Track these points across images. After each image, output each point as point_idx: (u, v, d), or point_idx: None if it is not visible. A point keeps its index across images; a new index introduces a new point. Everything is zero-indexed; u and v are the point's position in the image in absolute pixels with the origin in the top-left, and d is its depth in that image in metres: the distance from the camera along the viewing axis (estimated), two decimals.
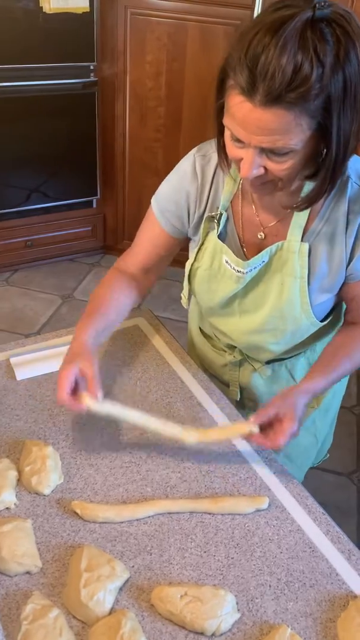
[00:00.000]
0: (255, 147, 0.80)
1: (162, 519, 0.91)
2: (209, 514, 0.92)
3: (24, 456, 0.97)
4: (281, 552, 0.87)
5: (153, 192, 1.12)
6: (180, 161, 1.05)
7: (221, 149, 0.91)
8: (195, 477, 0.98)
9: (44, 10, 2.42)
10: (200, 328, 1.29)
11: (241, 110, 0.77)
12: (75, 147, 2.83)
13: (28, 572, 0.82)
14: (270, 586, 0.83)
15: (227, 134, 0.85)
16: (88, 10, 2.50)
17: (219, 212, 1.01)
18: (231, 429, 1.01)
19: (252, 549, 0.88)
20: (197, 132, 2.77)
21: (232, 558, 0.86)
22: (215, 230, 1.02)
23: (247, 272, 1.00)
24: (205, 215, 1.03)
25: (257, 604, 0.81)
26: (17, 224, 2.90)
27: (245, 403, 1.27)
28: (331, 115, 0.76)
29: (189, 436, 0.95)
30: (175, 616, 0.77)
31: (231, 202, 1.01)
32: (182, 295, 1.18)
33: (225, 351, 1.22)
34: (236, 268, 1.01)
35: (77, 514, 0.90)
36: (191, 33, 2.53)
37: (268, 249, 0.98)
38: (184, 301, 1.18)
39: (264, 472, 0.99)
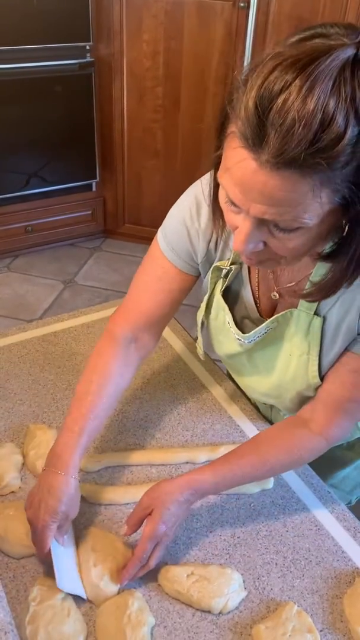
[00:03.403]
0: (254, 217, 0.62)
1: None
2: (214, 494, 0.92)
3: (28, 440, 0.97)
4: (287, 531, 0.88)
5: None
6: (192, 187, 0.86)
7: (216, 206, 0.73)
8: None
9: None
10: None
11: (241, 169, 0.58)
12: (72, 130, 2.80)
13: (34, 555, 0.82)
14: (276, 564, 0.83)
15: (221, 192, 0.67)
16: None
17: (227, 267, 0.85)
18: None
19: (257, 527, 0.88)
20: (195, 112, 2.73)
21: (238, 537, 0.86)
22: (220, 286, 0.87)
23: (247, 342, 0.88)
24: (215, 263, 0.86)
25: (263, 582, 0.81)
26: (16, 209, 2.88)
27: None
28: None
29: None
30: (182, 595, 0.78)
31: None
32: (197, 345, 1.01)
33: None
34: (236, 335, 0.88)
35: (82, 496, 0.90)
36: (188, 10, 2.49)
37: (274, 317, 0.83)
38: (200, 352, 1.01)
39: None
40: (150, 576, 0.81)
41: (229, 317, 0.88)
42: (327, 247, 0.69)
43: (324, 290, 0.70)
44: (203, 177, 0.85)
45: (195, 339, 1.03)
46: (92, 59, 2.66)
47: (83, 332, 1.23)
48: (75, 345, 1.20)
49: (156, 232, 0.91)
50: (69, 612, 0.74)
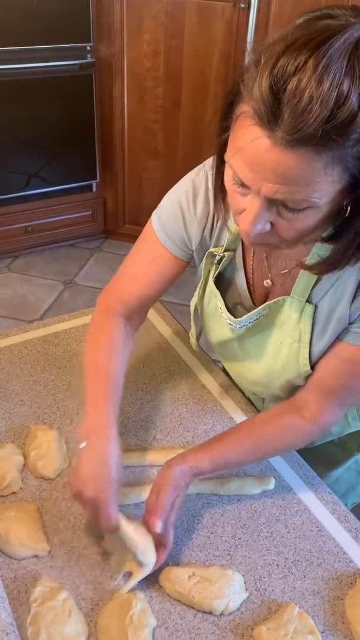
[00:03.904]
0: (264, 196, 0.61)
1: None
2: (216, 495, 0.92)
3: (29, 441, 0.97)
4: (288, 532, 0.88)
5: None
6: (189, 174, 0.87)
7: (219, 189, 0.74)
8: None
9: None
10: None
11: (254, 147, 0.58)
12: (73, 130, 2.80)
13: (36, 556, 0.82)
14: (277, 565, 0.83)
15: (228, 175, 0.66)
16: None
17: (221, 254, 0.85)
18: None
19: (259, 529, 0.88)
20: (196, 112, 2.73)
21: (239, 538, 0.86)
22: (213, 272, 0.88)
23: (240, 327, 0.88)
24: (210, 248, 0.87)
25: (264, 583, 0.81)
26: (16, 209, 2.88)
27: None
28: None
29: None
30: (183, 596, 0.78)
31: (242, 239, 0.85)
32: (190, 335, 1.02)
33: None
34: (228, 320, 0.89)
35: None
36: (189, 10, 2.49)
37: (266, 304, 0.84)
38: (192, 342, 1.02)
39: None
40: (152, 577, 0.80)
41: (220, 303, 0.89)
42: (326, 231, 0.69)
43: (326, 265, 0.70)
44: (201, 165, 0.86)
45: (197, 339, 1.04)
46: (92, 60, 2.66)
47: (84, 332, 1.23)
48: (76, 346, 1.19)
49: None
50: (71, 613, 0.74)
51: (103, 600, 0.78)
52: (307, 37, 0.54)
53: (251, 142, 0.58)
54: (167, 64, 2.64)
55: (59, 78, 2.63)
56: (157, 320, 1.27)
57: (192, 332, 1.00)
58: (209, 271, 0.89)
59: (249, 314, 0.86)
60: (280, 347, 0.87)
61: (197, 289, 0.92)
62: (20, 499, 0.90)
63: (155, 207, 0.94)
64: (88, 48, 2.63)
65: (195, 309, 0.95)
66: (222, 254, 0.85)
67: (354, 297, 0.77)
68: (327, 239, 0.70)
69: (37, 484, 0.92)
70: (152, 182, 2.96)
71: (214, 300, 0.90)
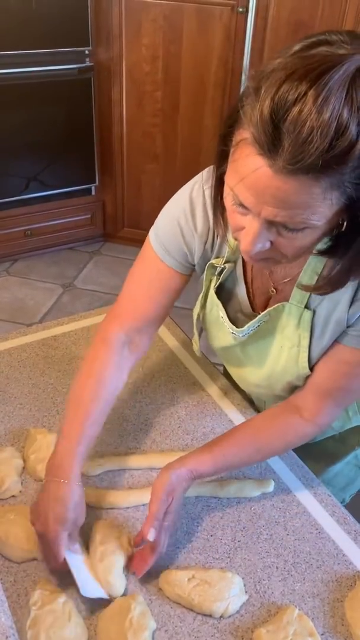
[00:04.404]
0: (264, 218, 0.63)
1: None
2: (215, 498, 0.92)
3: (28, 444, 0.97)
4: (287, 534, 0.88)
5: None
6: (184, 188, 0.87)
7: (217, 204, 0.75)
8: None
9: None
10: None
11: (255, 175, 0.60)
12: (72, 134, 2.80)
13: (35, 559, 0.82)
14: (277, 568, 0.83)
15: (227, 195, 0.67)
16: None
17: (221, 266, 0.86)
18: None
19: (258, 531, 0.88)
20: (195, 115, 2.74)
21: (239, 541, 0.86)
22: (214, 283, 0.88)
23: (242, 335, 0.89)
24: (211, 260, 0.87)
25: (264, 586, 0.81)
26: (15, 213, 2.89)
27: None
28: None
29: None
30: (183, 599, 0.78)
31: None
32: (193, 342, 1.02)
33: None
34: (230, 329, 0.90)
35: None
36: (187, 14, 2.50)
37: (267, 312, 0.85)
38: (195, 349, 1.02)
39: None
40: (151, 580, 0.80)
41: (222, 313, 0.90)
42: (323, 243, 0.71)
43: (333, 284, 0.72)
44: (196, 178, 0.86)
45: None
46: (91, 64, 2.67)
47: (83, 335, 1.23)
48: (75, 349, 1.20)
49: None
50: (70, 617, 0.74)
51: (103, 604, 0.78)
52: (306, 67, 0.55)
53: (253, 172, 0.60)
54: (166, 68, 2.65)
55: (58, 82, 2.64)
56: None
57: (195, 339, 1.00)
58: (210, 282, 0.89)
59: (251, 322, 0.87)
60: (281, 351, 0.88)
61: (199, 298, 0.93)
62: (19, 502, 0.90)
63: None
64: (87, 52, 2.64)
65: (198, 317, 0.95)
66: (222, 266, 0.86)
67: (352, 302, 0.78)
68: (323, 253, 0.71)
69: (36, 487, 0.92)
70: (151, 185, 2.96)
71: (215, 309, 0.91)
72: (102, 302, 2.76)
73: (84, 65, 2.66)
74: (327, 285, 0.73)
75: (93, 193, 3.06)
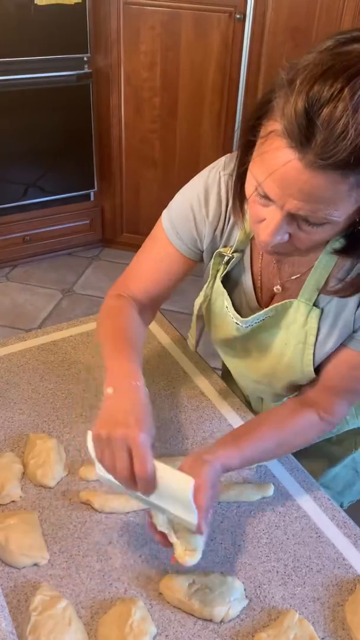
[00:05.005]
0: (287, 211, 0.64)
1: None
2: (215, 502, 0.92)
3: (28, 449, 0.97)
4: (287, 539, 0.88)
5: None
6: (201, 174, 0.88)
7: (237, 193, 0.76)
8: None
9: (35, 3, 2.40)
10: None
11: (284, 167, 0.60)
12: (71, 140, 2.82)
13: (36, 564, 0.82)
14: (277, 572, 0.83)
15: (250, 185, 0.68)
16: (80, 1, 2.49)
17: (229, 255, 0.87)
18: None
19: (258, 535, 0.88)
20: (193, 121, 2.75)
21: (239, 545, 0.86)
22: (221, 272, 0.89)
23: (246, 326, 0.89)
24: (218, 250, 0.88)
25: (264, 590, 0.81)
26: (14, 219, 2.90)
27: None
28: None
29: None
30: (183, 604, 0.77)
31: (251, 240, 0.87)
32: (189, 335, 1.02)
33: None
34: (234, 319, 0.90)
35: (83, 505, 0.90)
36: (185, 21, 2.52)
37: (274, 306, 0.86)
38: (191, 343, 1.02)
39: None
40: (152, 585, 0.80)
41: (227, 302, 0.90)
42: (336, 242, 0.73)
43: (356, 286, 0.74)
44: (214, 164, 0.87)
45: (195, 346, 1.04)
46: (89, 71, 2.69)
47: (82, 341, 1.24)
48: (75, 354, 1.20)
49: None
50: (70, 622, 0.74)
51: (103, 609, 0.78)
52: (343, 64, 0.56)
53: (281, 163, 0.60)
54: (164, 75, 2.67)
55: (56, 89, 2.66)
56: (156, 328, 1.28)
57: (192, 332, 1.00)
58: (217, 270, 0.90)
59: (256, 314, 0.88)
60: (285, 348, 0.88)
61: (204, 287, 0.93)
62: (19, 508, 0.90)
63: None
64: (85, 59, 2.66)
65: (200, 309, 0.95)
66: (230, 255, 0.87)
67: (359, 305, 0.79)
68: (339, 252, 0.73)
69: (36, 493, 0.92)
70: (149, 191, 2.97)
71: (220, 299, 0.91)
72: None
73: (82, 72, 2.67)
74: (350, 287, 0.74)
75: (92, 199, 3.07)
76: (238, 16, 2.41)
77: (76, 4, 2.48)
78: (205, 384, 1.15)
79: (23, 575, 0.81)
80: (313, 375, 0.89)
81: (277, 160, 0.61)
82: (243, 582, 0.81)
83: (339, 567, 0.84)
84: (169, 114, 2.76)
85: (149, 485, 0.71)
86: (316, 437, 0.94)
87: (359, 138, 0.55)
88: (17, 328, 2.62)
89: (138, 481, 0.71)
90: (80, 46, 2.60)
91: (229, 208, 0.85)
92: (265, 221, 0.67)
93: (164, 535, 0.76)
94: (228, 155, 0.85)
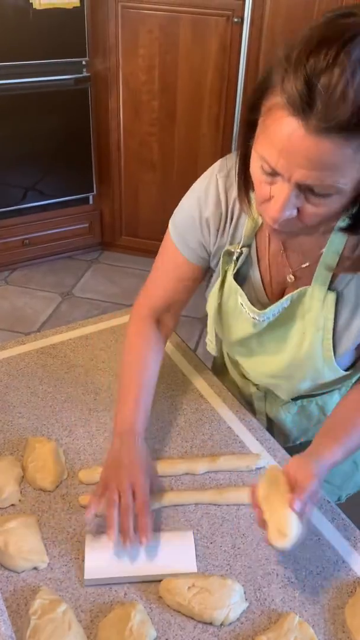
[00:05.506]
0: (294, 183, 0.65)
1: (167, 511, 0.91)
2: (215, 505, 0.92)
3: (27, 453, 0.97)
4: None
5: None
6: (198, 180, 0.91)
7: (242, 182, 0.77)
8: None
9: (34, 7, 2.41)
10: (228, 354, 1.17)
11: (288, 137, 0.61)
12: (69, 144, 2.82)
13: (35, 568, 0.82)
14: (277, 575, 0.83)
15: (256, 165, 0.69)
16: (78, 5, 2.49)
17: (238, 250, 0.88)
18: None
19: (258, 538, 0.88)
20: (191, 124, 2.76)
21: (239, 548, 0.86)
22: (232, 269, 0.90)
23: (262, 320, 0.90)
24: (225, 248, 0.90)
25: (264, 593, 0.81)
26: (13, 222, 2.90)
27: (274, 434, 1.11)
28: None
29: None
30: (183, 607, 0.77)
31: (256, 236, 0.88)
32: (207, 341, 1.04)
33: (250, 380, 1.12)
34: (251, 314, 0.90)
35: (82, 509, 0.90)
36: (183, 25, 2.52)
37: (289, 295, 0.86)
38: (211, 347, 1.04)
39: (268, 462, 0.99)
40: (152, 588, 0.80)
41: (242, 299, 0.91)
42: (342, 221, 0.74)
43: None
44: (209, 170, 0.89)
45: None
46: (88, 74, 2.69)
47: (81, 344, 1.24)
48: (74, 357, 1.20)
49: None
50: (70, 626, 0.74)
51: (102, 612, 0.77)
52: (338, 32, 0.58)
53: (285, 132, 0.61)
54: (162, 78, 2.68)
55: (55, 92, 2.66)
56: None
57: (211, 337, 1.02)
58: (226, 270, 0.91)
59: (273, 305, 0.88)
60: (303, 338, 0.88)
61: (215, 290, 0.94)
62: (19, 511, 0.90)
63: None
64: (84, 63, 2.66)
65: (215, 312, 0.96)
66: (239, 250, 0.88)
67: None
68: (345, 230, 0.74)
69: (35, 496, 0.92)
70: (148, 194, 2.98)
71: (233, 296, 0.92)
72: (100, 311, 2.76)
73: (81, 75, 2.68)
74: (355, 263, 0.76)
75: (91, 202, 3.07)
76: (236, 20, 2.42)
77: (74, 7, 2.49)
78: (204, 387, 1.15)
79: (22, 579, 0.81)
80: (334, 362, 0.88)
81: (281, 130, 0.62)
82: (243, 585, 0.81)
83: (338, 570, 0.84)
84: (167, 117, 2.77)
85: (145, 526, 0.82)
86: None
87: (356, 102, 0.57)
88: (16, 331, 2.62)
89: (138, 518, 0.83)
90: (78, 50, 2.61)
91: (229, 207, 0.87)
92: (273, 198, 0.68)
93: (261, 512, 0.79)
94: (221, 159, 0.87)
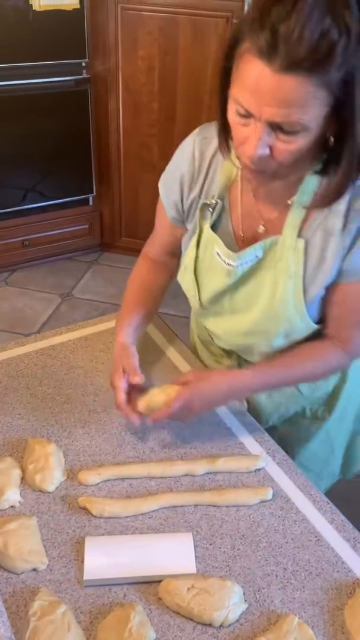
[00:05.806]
0: (265, 121, 0.73)
1: (167, 512, 0.91)
2: (214, 506, 0.92)
3: (27, 454, 0.97)
4: (287, 542, 0.88)
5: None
6: (182, 144, 1.02)
7: (222, 128, 0.86)
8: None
9: (33, 8, 2.41)
10: (198, 336, 1.25)
11: (256, 77, 0.70)
12: (69, 145, 2.82)
13: (35, 569, 0.82)
14: (276, 576, 0.83)
15: (232, 109, 0.78)
16: (78, 6, 2.50)
17: (214, 201, 0.96)
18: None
19: (257, 539, 0.88)
20: (191, 125, 2.74)
21: (238, 549, 0.86)
22: (209, 220, 0.97)
23: (238, 266, 0.94)
24: (200, 202, 0.98)
25: (264, 594, 0.81)
26: (13, 223, 2.90)
27: (253, 414, 1.12)
28: (353, 91, 0.70)
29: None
30: (183, 608, 0.77)
31: (229, 190, 0.96)
32: (190, 296, 1.08)
33: (223, 356, 1.18)
34: (227, 260, 0.95)
35: (82, 510, 0.90)
36: (182, 26, 2.53)
37: (262, 242, 0.92)
38: (194, 301, 1.08)
39: (268, 463, 0.99)
40: (151, 590, 0.80)
41: (218, 247, 0.97)
42: (316, 166, 0.83)
43: (336, 192, 0.82)
44: (193, 132, 1.01)
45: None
46: (88, 76, 2.70)
47: (81, 345, 1.24)
48: (74, 359, 1.20)
49: None
50: (70, 627, 0.74)
51: (102, 614, 0.78)
52: None
53: (254, 74, 0.71)
54: (162, 79, 2.68)
55: (55, 94, 2.66)
56: (153, 331, 1.28)
57: (193, 293, 1.05)
58: (204, 223, 0.98)
59: (248, 248, 0.93)
60: (276, 288, 0.94)
61: (192, 244, 1.00)
62: (18, 513, 0.90)
63: (151, 220, 1.06)
64: (83, 64, 2.66)
65: (192, 270, 1.03)
66: (215, 201, 0.96)
67: (345, 223, 0.86)
68: (320, 172, 0.82)
69: (35, 497, 0.92)
70: (148, 195, 2.98)
71: (210, 247, 0.98)
72: (100, 312, 2.76)
73: (80, 77, 2.68)
74: (321, 199, 0.84)
75: (90, 203, 3.07)
76: (235, 21, 2.42)
77: (74, 9, 2.49)
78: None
79: (22, 580, 0.81)
80: (304, 310, 0.93)
81: (251, 72, 0.71)
82: (242, 586, 0.81)
83: (338, 571, 0.84)
84: (167, 118, 2.77)
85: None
86: (337, 366, 1.02)
87: (312, 40, 0.66)
88: (16, 333, 2.62)
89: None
90: (78, 51, 2.61)
91: (203, 165, 0.96)
92: (248, 139, 0.77)
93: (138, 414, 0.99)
94: (201, 125, 0.99)
